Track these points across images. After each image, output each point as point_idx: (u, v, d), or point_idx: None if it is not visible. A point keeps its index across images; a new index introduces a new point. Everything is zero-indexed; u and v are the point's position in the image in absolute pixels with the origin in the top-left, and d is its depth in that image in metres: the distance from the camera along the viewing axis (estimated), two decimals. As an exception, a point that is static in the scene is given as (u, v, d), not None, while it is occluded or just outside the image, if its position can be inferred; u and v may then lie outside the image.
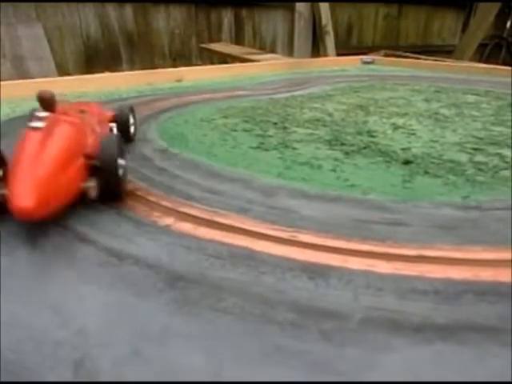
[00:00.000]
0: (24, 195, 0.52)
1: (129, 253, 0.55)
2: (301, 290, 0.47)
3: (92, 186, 0.63)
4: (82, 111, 0.83)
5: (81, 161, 0.64)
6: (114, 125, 0.94)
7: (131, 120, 1.01)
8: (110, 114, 0.97)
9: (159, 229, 0.61)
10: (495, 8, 4.27)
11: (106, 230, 0.61)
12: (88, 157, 0.65)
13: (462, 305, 0.45)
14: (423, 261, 0.53)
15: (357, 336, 0.41)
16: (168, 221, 0.63)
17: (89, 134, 0.72)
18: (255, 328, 0.41)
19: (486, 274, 0.50)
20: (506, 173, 0.84)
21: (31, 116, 0.65)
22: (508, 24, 5.53)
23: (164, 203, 0.69)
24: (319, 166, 0.88)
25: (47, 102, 0.72)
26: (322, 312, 0.44)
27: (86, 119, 0.77)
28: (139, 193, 0.74)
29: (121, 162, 0.68)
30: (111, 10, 3.18)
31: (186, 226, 0.61)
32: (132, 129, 1.02)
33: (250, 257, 0.53)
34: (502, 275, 0.50)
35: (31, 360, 0.38)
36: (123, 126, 0.96)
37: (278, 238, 0.58)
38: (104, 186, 0.64)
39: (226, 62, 3.03)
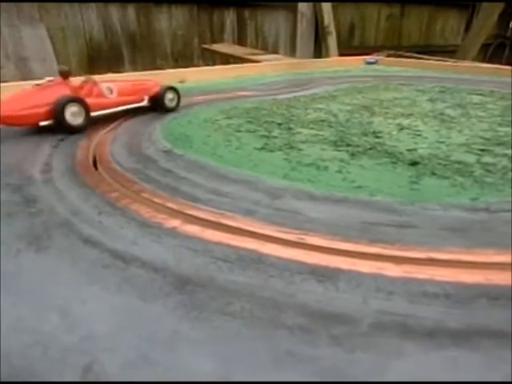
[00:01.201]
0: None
1: (135, 255, 0.54)
2: (310, 294, 0.46)
3: (47, 121, 1.11)
4: (94, 83, 1.27)
5: (49, 106, 1.11)
6: (146, 96, 1.37)
7: (169, 96, 1.41)
8: (155, 90, 1.39)
9: (165, 231, 0.60)
10: (498, 8, 4.25)
11: (112, 232, 0.60)
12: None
13: (474, 309, 0.44)
14: (433, 264, 0.53)
15: (367, 341, 0.40)
16: (174, 223, 0.63)
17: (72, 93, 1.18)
18: (265, 333, 0.41)
19: (498, 278, 0.49)
20: (515, 174, 0.83)
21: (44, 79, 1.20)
22: (511, 24, 5.50)
23: (170, 205, 0.69)
24: (325, 168, 0.87)
25: (63, 73, 1.20)
26: (331, 316, 0.43)
27: (80, 88, 1.24)
28: (145, 194, 0.73)
29: (72, 110, 1.13)
30: (114, 11, 3.18)
31: (193, 229, 0.61)
32: (170, 102, 1.42)
33: (258, 260, 0.53)
34: (514, 279, 0.49)
35: (39, 365, 0.37)
36: (157, 99, 1.38)
37: (285, 241, 0.57)
38: (55, 123, 1.12)
39: (228, 63, 3.02)
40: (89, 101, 1.18)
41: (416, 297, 0.46)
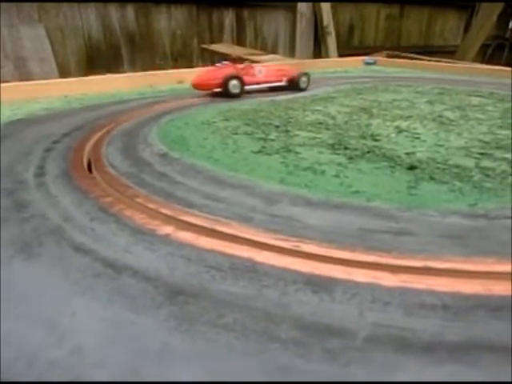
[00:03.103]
0: (193, 82, 1.72)
1: (126, 264, 0.53)
2: (304, 305, 0.45)
3: (219, 89, 1.67)
4: (251, 66, 1.81)
5: (220, 79, 1.66)
6: (285, 78, 1.86)
7: (303, 79, 1.88)
8: (292, 74, 1.87)
9: (158, 238, 0.59)
10: (498, 8, 4.23)
11: (104, 239, 0.59)
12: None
13: (473, 321, 0.43)
14: (431, 273, 0.51)
15: (363, 356, 0.39)
16: (168, 230, 0.62)
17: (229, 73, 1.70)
18: (257, 346, 0.40)
19: (498, 288, 0.48)
20: (514, 179, 0.82)
21: (220, 62, 1.78)
22: (510, 24, 5.48)
23: (164, 211, 0.68)
24: (322, 172, 0.86)
25: (232, 60, 1.89)
26: (326, 329, 0.42)
27: (242, 69, 1.78)
28: (139, 200, 0.72)
29: (233, 83, 1.67)
30: (113, 10, 3.17)
31: (187, 236, 0.60)
32: (303, 84, 1.89)
33: (252, 269, 0.52)
34: (514, 289, 0.48)
35: (24, 380, 0.36)
36: (293, 81, 1.86)
37: (281, 249, 0.56)
38: (223, 91, 1.68)
39: (227, 63, 3.01)
40: (245, 78, 1.71)
41: (413, 308, 0.45)
